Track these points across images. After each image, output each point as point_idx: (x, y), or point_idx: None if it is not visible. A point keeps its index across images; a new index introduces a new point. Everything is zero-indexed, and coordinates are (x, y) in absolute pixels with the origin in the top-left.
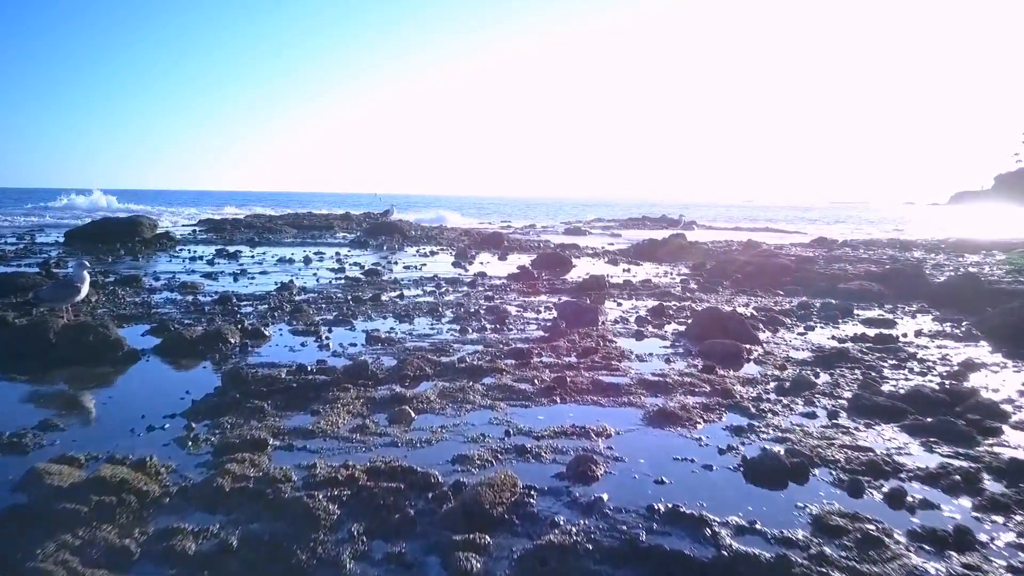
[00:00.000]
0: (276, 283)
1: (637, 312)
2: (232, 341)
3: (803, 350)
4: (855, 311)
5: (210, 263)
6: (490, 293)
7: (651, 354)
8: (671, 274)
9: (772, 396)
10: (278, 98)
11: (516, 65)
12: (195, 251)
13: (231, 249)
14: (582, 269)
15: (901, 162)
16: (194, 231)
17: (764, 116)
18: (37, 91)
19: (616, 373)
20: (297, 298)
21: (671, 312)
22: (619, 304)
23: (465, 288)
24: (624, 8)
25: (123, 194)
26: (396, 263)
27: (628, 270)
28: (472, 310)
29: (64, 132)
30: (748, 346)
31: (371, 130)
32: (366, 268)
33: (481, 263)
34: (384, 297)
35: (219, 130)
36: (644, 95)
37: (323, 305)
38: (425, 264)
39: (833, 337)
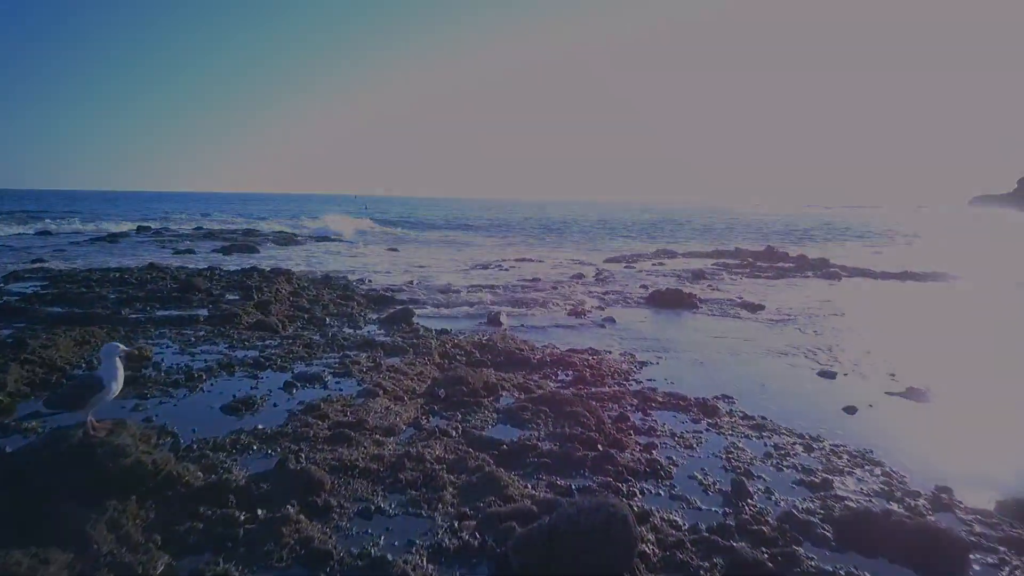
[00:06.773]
0: None
1: None
2: None
3: None
4: None
5: None
6: None
7: None
8: None
9: None
10: (269, 98)
11: (508, 65)
12: None
13: None
14: None
15: (915, 163)
16: None
17: (767, 115)
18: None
19: None
20: None
21: None
22: None
23: None
24: (624, 7)
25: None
26: None
27: None
28: None
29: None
30: None
31: (358, 130)
32: None
33: None
34: None
35: (210, 129)
36: (643, 95)
37: None
38: None
39: None
